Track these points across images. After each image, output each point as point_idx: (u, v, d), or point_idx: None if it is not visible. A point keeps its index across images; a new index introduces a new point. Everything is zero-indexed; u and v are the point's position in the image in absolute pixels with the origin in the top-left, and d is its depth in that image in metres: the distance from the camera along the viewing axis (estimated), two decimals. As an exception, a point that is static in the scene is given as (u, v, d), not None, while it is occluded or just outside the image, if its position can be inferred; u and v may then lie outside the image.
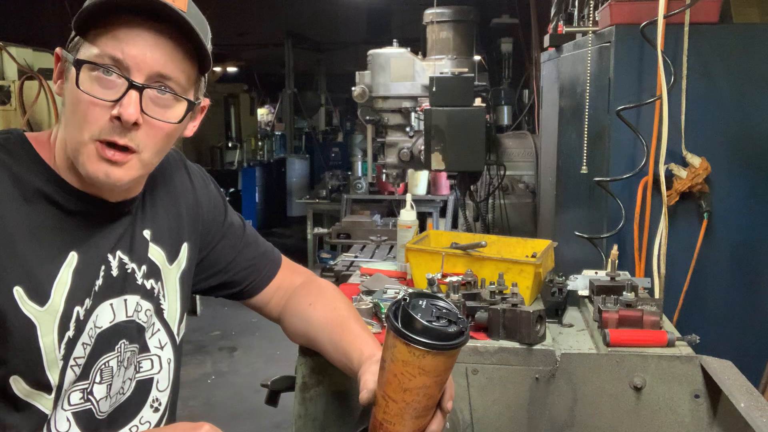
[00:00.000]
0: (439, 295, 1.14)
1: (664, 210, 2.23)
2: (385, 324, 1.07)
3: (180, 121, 1.12)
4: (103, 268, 1.16)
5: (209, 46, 1.12)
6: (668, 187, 2.27)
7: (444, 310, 1.05)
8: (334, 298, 1.44)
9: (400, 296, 1.07)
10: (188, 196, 1.35)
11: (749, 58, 2.29)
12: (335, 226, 5.20)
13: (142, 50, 1.05)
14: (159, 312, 1.27)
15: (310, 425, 1.57)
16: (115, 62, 1.04)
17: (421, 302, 1.06)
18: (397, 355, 1.03)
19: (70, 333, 1.11)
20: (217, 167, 9.03)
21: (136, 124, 1.05)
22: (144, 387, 1.26)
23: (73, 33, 1.08)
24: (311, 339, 1.41)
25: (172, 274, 1.30)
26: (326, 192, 7.17)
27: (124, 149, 1.07)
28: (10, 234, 1.05)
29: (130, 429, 1.23)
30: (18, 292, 1.05)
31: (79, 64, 1.04)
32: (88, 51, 1.05)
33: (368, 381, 1.15)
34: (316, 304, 1.42)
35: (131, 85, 1.05)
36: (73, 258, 1.12)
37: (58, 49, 1.10)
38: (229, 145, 9.49)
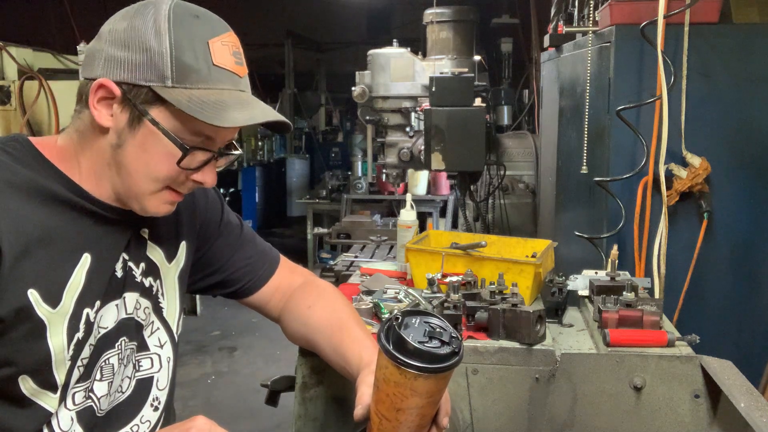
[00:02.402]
0: (433, 312, 1.13)
1: (664, 210, 2.23)
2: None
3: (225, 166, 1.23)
4: (112, 270, 1.17)
5: None
6: (668, 187, 2.27)
7: (438, 329, 1.03)
8: (333, 299, 1.44)
9: (393, 313, 1.05)
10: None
11: (749, 58, 2.29)
12: (335, 226, 5.20)
13: (230, 130, 1.14)
14: (158, 310, 1.27)
15: (310, 425, 1.57)
16: (207, 138, 1.12)
17: (414, 320, 1.04)
18: (389, 376, 1.02)
19: (79, 334, 1.11)
20: (216, 167, 9.00)
21: None
22: (144, 386, 1.26)
23: (141, 80, 1.06)
24: (310, 341, 1.41)
25: (171, 272, 1.30)
26: (326, 192, 7.16)
27: None
28: (27, 237, 1.05)
29: (131, 428, 1.23)
30: (33, 294, 1.06)
31: (186, 149, 1.09)
32: (170, 116, 1.08)
33: (363, 395, 1.16)
34: (315, 306, 1.41)
35: (214, 156, 1.14)
36: (86, 259, 1.12)
37: (108, 83, 1.07)
38: (229, 145, 9.44)
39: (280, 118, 1.14)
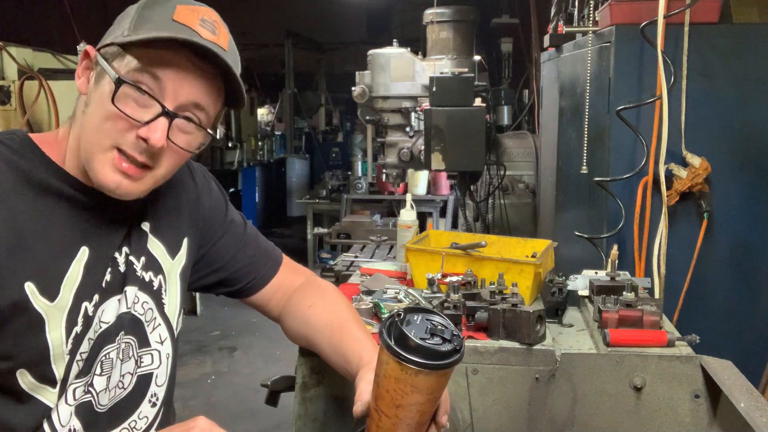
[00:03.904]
0: (435, 310, 1.13)
1: (664, 210, 2.24)
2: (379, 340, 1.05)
3: (198, 149, 1.16)
4: (111, 263, 1.17)
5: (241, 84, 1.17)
6: (668, 187, 2.27)
7: (439, 327, 1.04)
8: (334, 299, 1.44)
9: (395, 310, 1.06)
10: (189, 192, 1.35)
11: (749, 58, 2.29)
12: (335, 226, 5.19)
13: (183, 78, 1.09)
14: (160, 306, 1.27)
15: (310, 425, 1.57)
16: (153, 82, 1.07)
17: (416, 318, 1.05)
18: (389, 372, 1.02)
19: (78, 328, 1.12)
20: (217, 167, 9.00)
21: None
22: (144, 382, 1.26)
23: (110, 40, 1.10)
24: (310, 341, 1.41)
25: (174, 268, 1.30)
26: (326, 192, 7.16)
27: (141, 165, 1.10)
28: (21, 229, 1.06)
29: (129, 424, 1.23)
30: (30, 287, 1.06)
31: (119, 82, 1.06)
32: (127, 62, 1.08)
33: (363, 391, 1.15)
34: (315, 306, 1.41)
35: (164, 112, 1.08)
36: (84, 253, 1.13)
37: (89, 48, 1.13)
38: (229, 145, 9.47)
39: (227, 60, 1.10)
